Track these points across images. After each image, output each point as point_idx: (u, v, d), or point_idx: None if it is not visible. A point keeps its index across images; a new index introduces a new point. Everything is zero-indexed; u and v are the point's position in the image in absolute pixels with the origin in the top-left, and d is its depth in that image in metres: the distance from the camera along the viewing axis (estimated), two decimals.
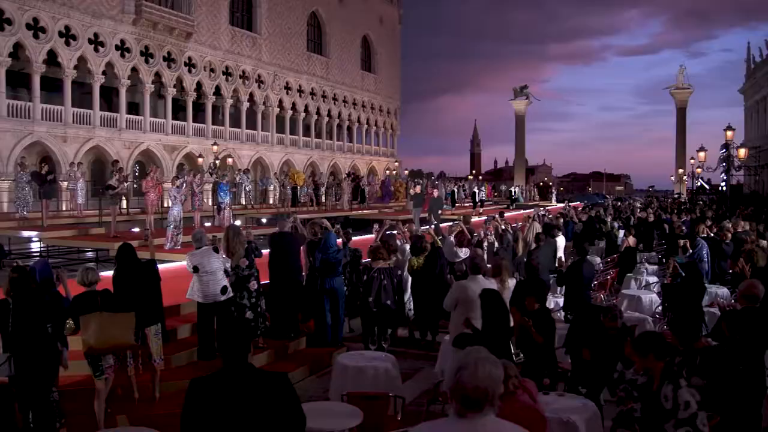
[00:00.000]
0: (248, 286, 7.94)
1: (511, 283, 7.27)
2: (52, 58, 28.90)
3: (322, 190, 30.10)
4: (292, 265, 8.64)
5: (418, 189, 22.27)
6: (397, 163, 51.84)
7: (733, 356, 4.70)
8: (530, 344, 5.57)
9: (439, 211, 21.03)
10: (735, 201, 34.23)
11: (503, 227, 12.52)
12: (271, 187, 28.99)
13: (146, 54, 33.24)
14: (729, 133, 21.74)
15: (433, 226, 13.89)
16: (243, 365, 3.15)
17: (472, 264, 6.62)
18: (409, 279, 9.41)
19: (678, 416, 3.40)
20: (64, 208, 21.48)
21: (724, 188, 29.62)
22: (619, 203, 32.20)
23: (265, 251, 9.00)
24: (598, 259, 16.06)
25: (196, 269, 7.46)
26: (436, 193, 21.97)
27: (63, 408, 5.74)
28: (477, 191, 31.61)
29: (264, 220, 24.31)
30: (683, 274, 8.44)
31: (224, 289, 7.54)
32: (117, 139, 32.04)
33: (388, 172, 47.49)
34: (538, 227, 14.57)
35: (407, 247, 9.75)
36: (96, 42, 30.58)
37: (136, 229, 17.11)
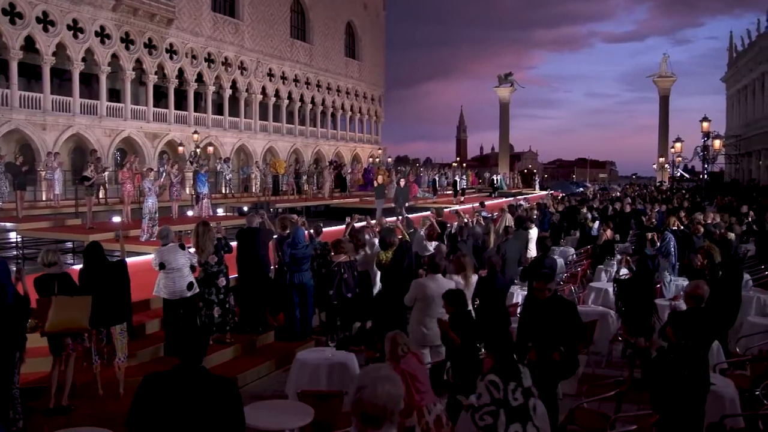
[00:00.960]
0: (217, 282, 8.03)
1: (475, 278, 7.41)
2: (30, 45, 28.59)
3: (304, 178, 30.08)
4: (260, 260, 8.73)
5: (402, 183, 21.76)
6: (380, 150, 51.77)
7: (679, 361, 4.83)
8: (450, 345, 5.62)
9: (406, 203, 20.77)
10: (714, 190, 34.69)
11: (466, 220, 12.63)
12: (253, 176, 28.90)
13: (127, 41, 32.93)
14: (705, 125, 21.98)
15: (403, 218, 13.98)
16: (195, 367, 3.29)
17: (431, 262, 6.74)
18: (378, 273, 9.51)
19: None
20: (43, 198, 21.38)
21: (705, 177, 29.94)
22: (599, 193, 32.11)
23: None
24: (571, 250, 16.28)
25: (162, 266, 7.53)
26: (402, 183, 21.57)
27: (24, 404, 5.85)
28: (459, 179, 31.63)
29: (245, 209, 24.28)
30: (633, 268, 8.63)
31: (190, 285, 7.63)
32: (97, 126, 31.80)
33: (371, 159, 47.46)
34: (510, 219, 14.72)
35: (376, 241, 9.85)
36: (75, 28, 30.26)
37: (117, 219, 17.06)
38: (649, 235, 12.66)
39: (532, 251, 13.76)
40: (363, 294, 9.05)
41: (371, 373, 2.28)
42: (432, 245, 10.44)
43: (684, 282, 11.08)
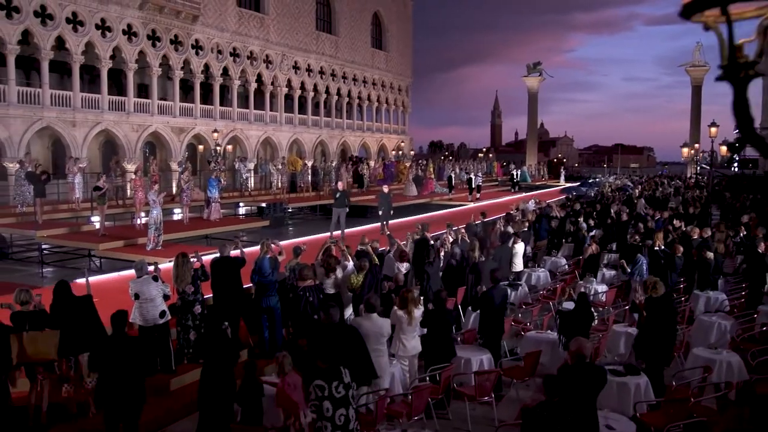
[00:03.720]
0: (193, 310, 8.74)
1: (418, 313, 7.91)
2: (60, 44, 29.74)
3: (321, 175, 30.62)
4: (232, 288, 9.39)
5: (386, 189, 19.95)
6: (403, 143, 52.05)
7: (552, 417, 5.27)
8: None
9: (391, 211, 19.72)
10: (739, 188, 34.13)
11: (438, 241, 13.00)
12: (274, 172, 29.57)
13: (153, 38, 33.90)
14: (713, 130, 21.78)
15: (386, 230, 14.34)
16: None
17: (366, 302, 7.27)
18: (351, 296, 10.05)
19: None
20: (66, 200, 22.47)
21: (736, 169, 29.44)
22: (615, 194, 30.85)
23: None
24: (563, 261, 16.51)
25: (137, 296, 8.23)
26: (386, 189, 20.03)
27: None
28: (473, 176, 31.68)
29: (263, 206, 24.91)
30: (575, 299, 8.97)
31: (162, 313, 8.34)
32: (125, 122, 32.93)
33: (393, 152, 47.83)
34: (503, 229, 15.04)
35: (349, 264, 10.38)
36: (103, 27, 31.30)
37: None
38: (621, 261, 12.94)
39: (518, 266, 14.14)
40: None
41: None
42: (404, 266, 10.95)
43: None
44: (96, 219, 17.68)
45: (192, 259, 8.91)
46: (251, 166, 34.91)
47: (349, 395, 5.29)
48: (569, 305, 9.43)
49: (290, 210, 24.00)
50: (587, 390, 5.44)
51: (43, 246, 16.75)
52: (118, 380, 5.87)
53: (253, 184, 30.64)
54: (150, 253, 14.21)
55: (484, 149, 76.91)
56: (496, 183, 45.77)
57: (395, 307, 8.00)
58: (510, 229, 14.75)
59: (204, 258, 9.62)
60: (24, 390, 7.44)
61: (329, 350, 5.75)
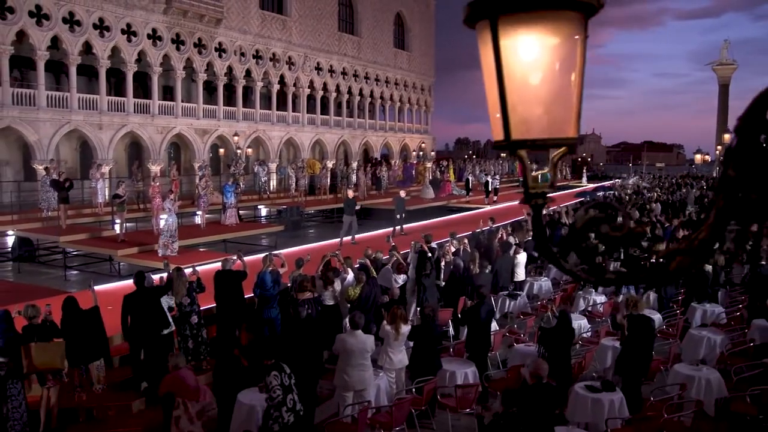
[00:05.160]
0: (190, 320, 9.26)
1: (405, 329, 8.31)
2: (88, 48, 30.67)
3: (339, 178, 31.06)
4: (234, 299, 9.89)
5: (403, 194, 20.96)
6: (424, 144, 52.27)
7: (520, 427, 5.65)
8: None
9: (403, 214, 20.45)
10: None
11: (440, 250, 13.31)
12: (292, 177, 30.13)
13: (177, 41, 34.68)
14: (727, 137, 21.65)
15: (391, 240, 14.66)
16: None
17: (351, 320, 7.69)
18: (348, 307, 10.48)
19: None
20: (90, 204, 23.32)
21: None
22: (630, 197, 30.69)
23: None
24: None
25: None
26: (402, 194, 20.79)
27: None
28: (491, 179, 31.79)
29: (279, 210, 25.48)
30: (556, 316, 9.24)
31: (167, 324, 8.86)
32: (150, 124, 33.80)
33: (415, 153, 48.09)
34: (504, 238, 15.29)
35: (349, 276, 10.81)
36: (129, 32, 32.14)
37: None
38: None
39: (520, 276, 14.41)
40: (332, 327, 10.07)
41: None
42: (401, 278, 11.33)
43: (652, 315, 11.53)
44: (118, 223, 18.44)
45: (188, 270, 9.42)
46: (273, 166, 35.59)
47: (292, 383, 6.43)
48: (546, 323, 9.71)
49: (308, 213, 24.49)
50: (542, 407, 5.80)
51: (67, 249, 17.53)
52: None
53: (274, 186, 31.25)
54: (161, 259, 14.84)
55: (503, 154, 75.78)
56: (517, 184, 45.67)
57: (384, 322, 8.41)
58: (511, 239, 15.01)
59: (209, 267, 10.16)
60: (38, 395, 8.06)
61: (292, 342, 7.19)
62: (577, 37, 1.46)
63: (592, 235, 1.76)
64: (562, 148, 1.59)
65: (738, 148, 1.47)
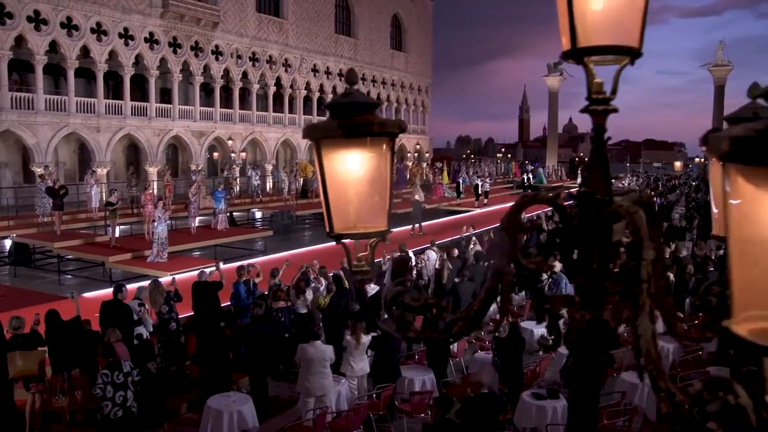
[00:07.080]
0: (168, 327, 9.85)
1: (366, 339, 8.88)
2: (86, 52, 31.25)
3: None
4: (210, 308, 10.48)
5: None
6: (419, 146, 52.78)
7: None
8: None
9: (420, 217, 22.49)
10: None
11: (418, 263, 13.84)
12: (285, 180, 30.68)
13: (174, 45, 35.24)
14: None
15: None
16: None
17: (311, 331, 8.27)
18: (320, 316, 11.04)
19: None
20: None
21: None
22: None
23: None
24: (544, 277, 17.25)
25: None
26: (418, 197, 22.58)
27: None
28: (480, 182, 32.17)
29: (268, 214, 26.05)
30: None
31: (139, 336, 9.47)
32: (147, 127, 34.38)
33: (409, 154, 48.60)
34: (477, 249, 15.83)
35: (321, 286, 11.38)
36: (126, 36, 32.70)
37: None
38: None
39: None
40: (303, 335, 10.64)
41: None
42: (371, 287, 11.88)
43: None
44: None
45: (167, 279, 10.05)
46: (269, 168, 36.15)
47: (128, 381, 7.08)
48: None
49: (300, 217, 25.00)
50: (483, 414, 6.37)
51: (62, 254, 18.14)
52: None
53: (269, 188, 31.78)
54: (150, 266, 15.43)
55: (513, 144, 76.45)
56: (512, 185, 46.02)
57: (347, 331, 8.99)
58: (479, 248, 15.54)
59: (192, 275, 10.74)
60: (24, 398, 8.69)
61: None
62: None
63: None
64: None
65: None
